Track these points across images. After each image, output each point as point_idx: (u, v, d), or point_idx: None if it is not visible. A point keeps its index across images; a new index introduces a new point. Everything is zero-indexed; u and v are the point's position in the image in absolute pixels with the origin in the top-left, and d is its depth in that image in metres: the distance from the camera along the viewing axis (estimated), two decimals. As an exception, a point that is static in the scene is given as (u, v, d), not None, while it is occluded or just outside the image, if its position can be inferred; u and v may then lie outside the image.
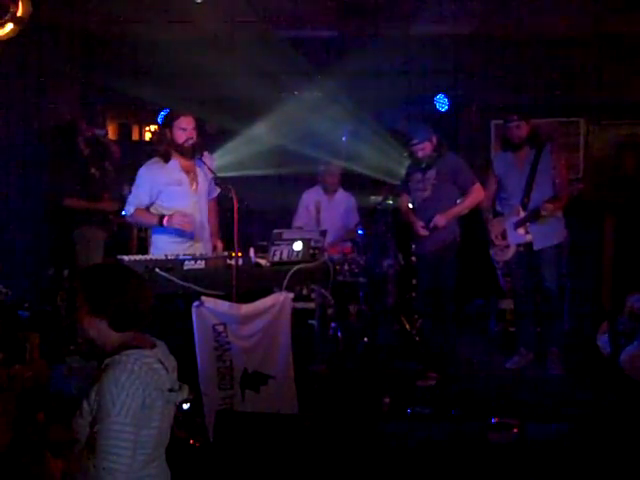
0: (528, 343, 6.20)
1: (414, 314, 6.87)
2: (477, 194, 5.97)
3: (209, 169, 4.95)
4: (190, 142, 4.86)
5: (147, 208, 4.96)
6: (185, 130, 4.85)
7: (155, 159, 4.96)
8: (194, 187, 5.02)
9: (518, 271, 6.21)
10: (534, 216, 5.90)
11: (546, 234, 5.96)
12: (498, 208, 6.25)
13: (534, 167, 5.95)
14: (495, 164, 6.30)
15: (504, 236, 6.10)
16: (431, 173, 5.94)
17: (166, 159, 4.92)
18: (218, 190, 5.15)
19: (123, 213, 5.05)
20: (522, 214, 5.97)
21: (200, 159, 4.98)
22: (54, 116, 7.31)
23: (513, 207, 6.04)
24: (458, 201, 5.99)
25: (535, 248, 5.98)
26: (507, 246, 6.10)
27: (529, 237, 5.97)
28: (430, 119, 6.85)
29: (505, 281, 6.91)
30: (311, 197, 7.06)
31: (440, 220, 5.82)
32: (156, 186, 4.90)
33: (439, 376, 5.77)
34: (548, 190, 5.94)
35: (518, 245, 6.05)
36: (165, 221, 4.84)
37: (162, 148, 4.92)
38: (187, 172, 4.98)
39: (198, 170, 5.04)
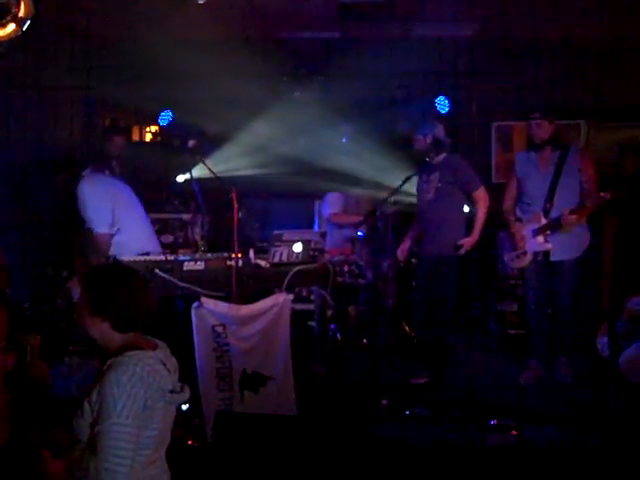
0: (540, 356, 5.87)
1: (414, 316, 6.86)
2: (484, 199, 5.81)
3: (210, 170, 5.01)
4: None
5: None
6: None
7: None
8: None
9: (533, 281, 5.88)
10: (555, 225, 5.58)
11: (567, 246, 5.65)
12: (518, 213, 5.93)
13: (558, 170, 5.64)
14: (516, 164, 5.96)
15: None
16: (435, 176, 5.86)
17: None
18: None
19: None
20: (543, 221, 5.67)
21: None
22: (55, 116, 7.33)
23: (534, 213, 5.75)
24: (466, 209, 5.94)
25: (552, 259, 5.68)
26: (524, 253, 5.79)
27: (548, 246, 5.65)
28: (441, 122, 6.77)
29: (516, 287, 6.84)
30: (338, 198, 7.04)
31: (467, 244, 5.73)
32: None
33: (430, 374, 5.75)
34: (573, 196, 5.60)
35: (535, 254, 5.74)
36: None
37: None
38: None
39: None
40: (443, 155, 5.92)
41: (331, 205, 6.98)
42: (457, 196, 5.88)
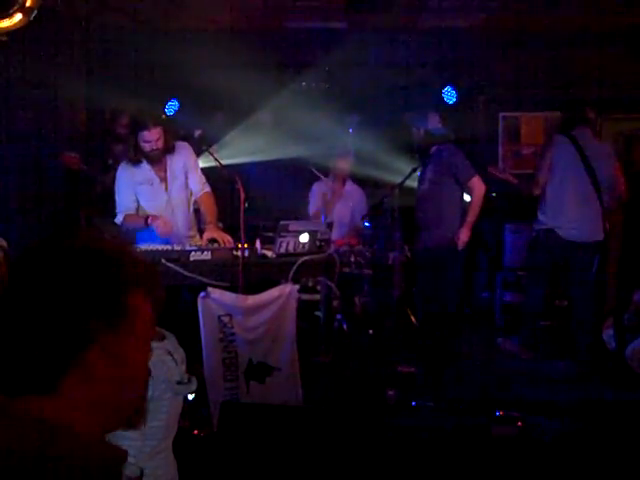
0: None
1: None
2: (478, 189, 5.84)
3: (216, 159, 5.05)
4: (155, 152, 5.03)
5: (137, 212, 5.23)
6: (149, 142, 5.00)
7: (125, 162, 5.20)
8: (164, 187, 5.18)
9: None
10: None
11: None
12: None
13: None
14: None
15: None
16: (429, 167, 5.92)
17: (135, 162, 5.13)
18: (205, 186, 5.31)
19: (115, 221, 5.24)
20: None
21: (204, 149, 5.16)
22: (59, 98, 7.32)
23: None
24: (467, 198, 5.94)
25: None
26: None
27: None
28: (438, 111, 6.76)
29: None
30: (321, 188, 7.04)
31: (463, 236, 5.79)
32: (132, 186, 5.16)
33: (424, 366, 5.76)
34: None
35: None
36: (150, 220, 5.00)
37: (132, 154, 5.13)
38: (157, 173, 5.17)
39: (168, 171, 5.19)
40: (436, 146, 5.92)
41: (311, 202, 7.02)
42: (450, 187, 5.88)
